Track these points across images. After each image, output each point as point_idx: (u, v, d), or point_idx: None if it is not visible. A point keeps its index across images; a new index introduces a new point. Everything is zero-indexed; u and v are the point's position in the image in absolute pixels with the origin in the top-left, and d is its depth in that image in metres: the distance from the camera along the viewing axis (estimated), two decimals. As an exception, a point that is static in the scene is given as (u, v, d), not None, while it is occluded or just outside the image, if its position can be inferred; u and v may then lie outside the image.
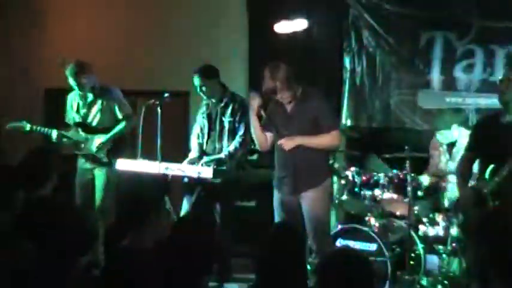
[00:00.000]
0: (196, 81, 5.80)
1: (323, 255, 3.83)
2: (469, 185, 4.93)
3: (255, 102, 5.12)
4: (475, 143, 4.94)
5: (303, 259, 3.41)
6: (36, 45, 7.89)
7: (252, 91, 5.25)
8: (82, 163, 6.30)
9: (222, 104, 5.87)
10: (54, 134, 6.24)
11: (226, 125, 5.86)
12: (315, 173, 5.11)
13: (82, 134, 6.29)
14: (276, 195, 5.27)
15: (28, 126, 6.26)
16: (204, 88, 5.80)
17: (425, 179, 6.01)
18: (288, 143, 5.09)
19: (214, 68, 5.89)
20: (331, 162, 5.81)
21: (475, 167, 5.02)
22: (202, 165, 5.71)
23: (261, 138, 5.26)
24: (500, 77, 4.92)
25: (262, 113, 5.23)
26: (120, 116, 6.24)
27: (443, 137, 6.19)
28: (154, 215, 3.87)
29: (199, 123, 6.04)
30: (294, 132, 5.09)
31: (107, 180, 6.16)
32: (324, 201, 5.16)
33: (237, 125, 5.84)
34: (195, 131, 6.07)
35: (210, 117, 5.95)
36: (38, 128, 6.32)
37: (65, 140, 6.28)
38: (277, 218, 5.22)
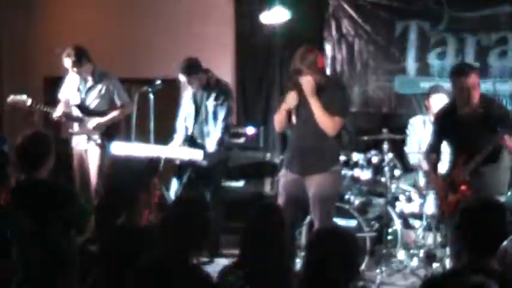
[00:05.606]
0: (182, 78, 5.98)
1: (314, 232, 3.81)
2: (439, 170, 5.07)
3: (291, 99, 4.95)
4: (439, 131, 5.05)
5: (282, 238, 3.41)
6: (35, 34, 7.86)
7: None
8: (76, 145, 6.42)
9: (207, 90, 6.05)
10: (54, 112, 6.29)
11: (211, 109, 6.06)
12: (323, 157, 4.95)
13: (80, 114, 6.37)
14: (283, 175, 5.14)
15: (29, 101, 6.24)
16: (191, 84, 6.00)
17: (412, 157, 6.16)
18: (308, 85, 4.86)
19: (194, 62, 5.97)
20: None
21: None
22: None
23: (282, 120, 5.06)
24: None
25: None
26: (118, 103, 6.36)
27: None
28: (145, 195, 4.00)
29: (185, 107, 6.19)
30: (310, 113, 4.89)
31: (100, 162, 6.26)
32: (330, 187, 4.97)
33: (219, 109, 6.04)
34: (182, 114, 6.22)
35: (196, 102, 6.13)
36: (39, 105, 6.33)
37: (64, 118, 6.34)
38: (280, 198, 5.05)
